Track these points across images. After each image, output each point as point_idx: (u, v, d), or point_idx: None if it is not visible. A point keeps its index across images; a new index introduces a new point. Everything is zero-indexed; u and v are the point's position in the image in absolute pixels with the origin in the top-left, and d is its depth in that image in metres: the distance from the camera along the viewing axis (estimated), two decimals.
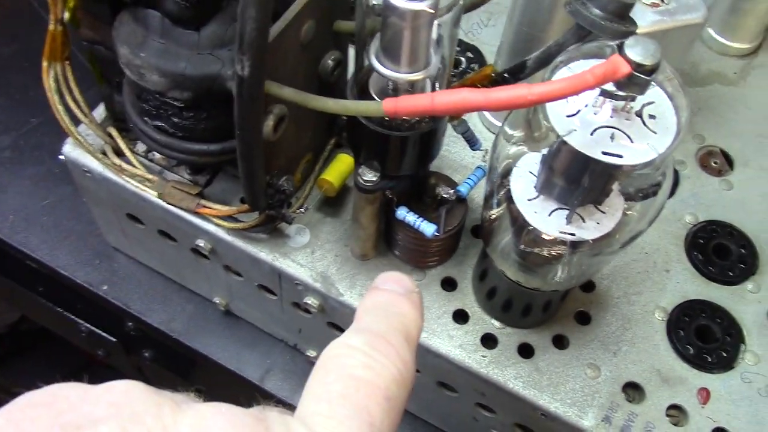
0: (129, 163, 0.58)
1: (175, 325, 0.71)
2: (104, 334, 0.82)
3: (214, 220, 0.57)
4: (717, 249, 0.61)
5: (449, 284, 0.58)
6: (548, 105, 0.39)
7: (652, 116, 0.39)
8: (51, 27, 0.52)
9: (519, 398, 0.54)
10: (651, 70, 0.35)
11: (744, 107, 0.71)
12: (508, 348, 0.55)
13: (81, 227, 0.75)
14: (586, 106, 0.39)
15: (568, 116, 0.39)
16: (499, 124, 0.63)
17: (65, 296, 0.80)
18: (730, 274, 0.60)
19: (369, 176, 0.49)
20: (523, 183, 0.46)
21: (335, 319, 0.59)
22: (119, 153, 0.59)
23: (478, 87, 0.49)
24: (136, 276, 0.73)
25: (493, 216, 0.49)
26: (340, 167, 0.57)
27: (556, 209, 0.44)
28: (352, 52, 0.48)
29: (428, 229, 0.52)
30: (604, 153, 0.38)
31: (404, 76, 0.43)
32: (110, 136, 0.59)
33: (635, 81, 0.36)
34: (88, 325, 0.82)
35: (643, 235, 0.46)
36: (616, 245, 0.46)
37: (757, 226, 0.63)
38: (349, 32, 0.52)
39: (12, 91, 0.83)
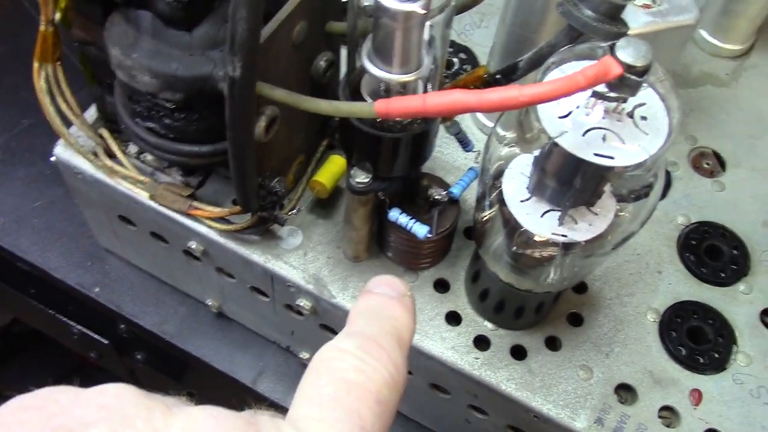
0: (120, 164, 0.58)
1: (168, 327, 0.71)
2: (96, 336, 0.81)
3: (206, 221, 0.56)
4: (709, 250, 0.61)
5: (442, 286, 0.58)
6: (540, 106, 0.39)
7: (643, 117, 0.40)
8: (42, 28, 0.51)
9: (512, 400, 0.54)
10: (642, 72, 0.35)
11: (736, 108, 0.72)
12: (501, 350, 0.55)
13: (72, 229, 0.75)
14: (577, 107, 0.39)
15: (559, 117, 0.39)
16: (492, 125, 0.63)
17: (57, 298, 0.79)
18: (722, 275, 0.60)
19: (361, 178, 0.49)
20: (516, 184, 0.45)
21: (328, 321, 0.59)
22: (111, 154, 0.59)
23: (471, 88, 0.49)
24: (128, 278, 0.73)
25: (486, 217, 0.49)
26: (332, 169, 0.57)
27: (549, 211, 0.44)
28: (344, 53, 0.48)
29: (421, 230, 0.51)
30: (596, 154, 0.38)
31: (396, 78, 0.43)
32: (102, 137, 0.59)
33: (627, 82, 0.36)
34: (80, 327, 0.82)
35: (635, 236, 0.46)
36: (608, 247, 0.46)
37: (749, 228, 0.63)
38: (341, 33, 0.52)
39: (3, 92, 0.83)
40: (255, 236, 0.57)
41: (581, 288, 0.58)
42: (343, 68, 0.49)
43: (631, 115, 0.39)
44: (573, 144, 0.38)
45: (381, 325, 0.33)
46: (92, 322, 0.81)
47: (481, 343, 0.56)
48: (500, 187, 0.46)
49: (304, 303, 0.57)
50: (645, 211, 0.45)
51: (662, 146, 0.39)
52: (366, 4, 0.43)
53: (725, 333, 0.57)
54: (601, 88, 0.37)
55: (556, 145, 0.39)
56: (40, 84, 0.55)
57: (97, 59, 0.54)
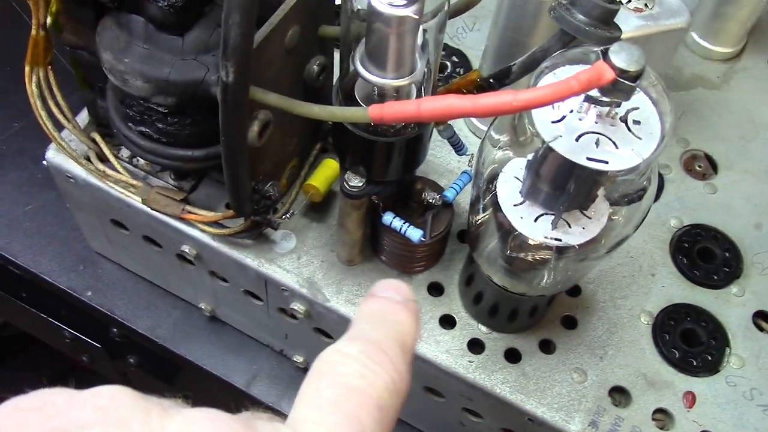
0: (113, 168, 0.58)
1: (161, 331, 0.71)
2: (88, 340, 0.81)
3: (200, 225, 0.56)
4: (702, 253, 0.62)
5: (436, 289, 0.58)
6: (534, 111, 0.39)
7: (636, 122, 0.40)
8: (33, 32, 0.51)
9: (506, 403, 0.54)
10: (635, 76, 0.36)
11: (727, 111, 0.72)
12: (495, 353, 0.55)
13: (64, 233, 0.74)
14: (571, 111, 0.39)
15: (553, 122, 0.39)
16: (485, 128, 0.63)
17: (49, 302, 0.79)
18: (715, 277, 0.60)
19: (355, 182, 0.49)
20: (509, 188, 0.45)
21: (322, 325, 0.59)
22: (103, 158, 0.59)
23: (464, 92, 0.49)
24: (120, 282, 0.73)
25: (479, 221, 0.49)
26: (325, 172, 0.57)
27: (542, 214, 0.44)
28: (337, 57, 0.48)
29: (414, 234, 0.51)
30: (589, 159, 0.38)
31: (389, 82, 0.43)
32: (94, 141, 0.59)
33: (620, 87, 0.36)
34: (72, 331, 0.81)
35: (628, 239, 0.46)
36: (602, 250, 0.46)
37: (741, 230, 0.63)
38: (334, 37, 0.52)
39: None
40: (248, 240, 0.57)
41: (575, 291, 0.58)
42: (336, 72, 0.49)
43: (624, 119, 0.40)
44: (566, 148, 0.38)
45: (385, 329, 0.33)
46: (84, 326, 0.80)
47: (476, 346, 0.56)
48: (494, 190, 0.46)
49: (297, 307, 0.57)
50: (638, 215, 0.45)
51: (655, 150, 0.39)
52: (359, 8, 0.43)
53: (718, 335, 0.58)
54: (595, 92, 0.37)
55: (549, 149, 0.39)
56: (31, 88, 0.55)
57: (89, 63, 0.53)
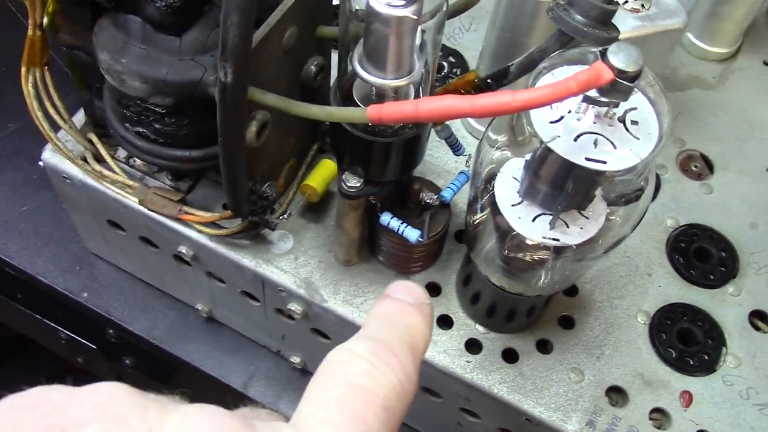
0: (109, 169, 0.58)
1: (157, 332, 0.71)
2: (84, 342, 0.81)
3: (197, 226, 0.56)
4: (698, 252, 0.62)
5: (433, 289, 0.58)
6: (532, 111, 0.39)
7: (634, 122, 0.40)
8: (30, 32, 0.51)
9: (503, 403, 0.54)
10: (634, 77, 0.36)
11: (723, 111, 0.72)
12: (493, 353, 0.55)
13: (60, 234, 0.74)
14: (569, 112, 0.40)
15: (551, 122, 0.39)
16: (482, 129, 0.63)
17: (44, 303, 0.79)
18: (711, 277, 0.61)
19: (353, 182, 0.49)
20: (507, 188, 0.46)
21: (319, 326, 0.59)
22: (99, 159, 0.58)
23: (461, 93, 0.49)
24: (117, 283, 0.72)
25: (477, 221, 0.49)
26: (323, 173, 0.57)
27: (540, 214, 0.44)
28: (335, 57, 0.48)
29: (412, 234, 0.51)
30: (588, 159, 0.38)
31: (388, 83, 0.43)
32: (90, 142, 0.59)
33: (618, 87, 0.36)
34: (68, 333, 0.81)
35: (625, 239, 0.46)
36: (599, 250, 0.46)
37: (737, 230, 0.64)
38: (332, 38, 0.52)
39: None
40: (246, 241, 0.57)
41: (572, 291, 0.59)
42: (334, 73, 0.49)
43: (622, 119, 0.40)
44: (565, 148, 0.39)
45: (396, 331, 0.33)
46: (80, 327, 0.80)
47: (473, 346, 0.56)
48: (492, 190, 0.46)
49: (295, 307, 0.57)
50: (636, 215, 0.45)
51: (653, 150, 0.39)
52: (357, 8, 0.43)
53: (714, 335, 0.58)
54: (593, 92, 0.37)
55: (548, 149, 0.39)
56: (27, 89, 0.54)
57: (86, 63, 0.53)
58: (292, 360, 0.67)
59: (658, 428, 0.54)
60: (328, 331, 0.59)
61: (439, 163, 0.63)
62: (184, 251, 0.59)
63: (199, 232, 0.56)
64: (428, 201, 0.54)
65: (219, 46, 0.39)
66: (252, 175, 0.50)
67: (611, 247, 0.46)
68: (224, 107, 0.42)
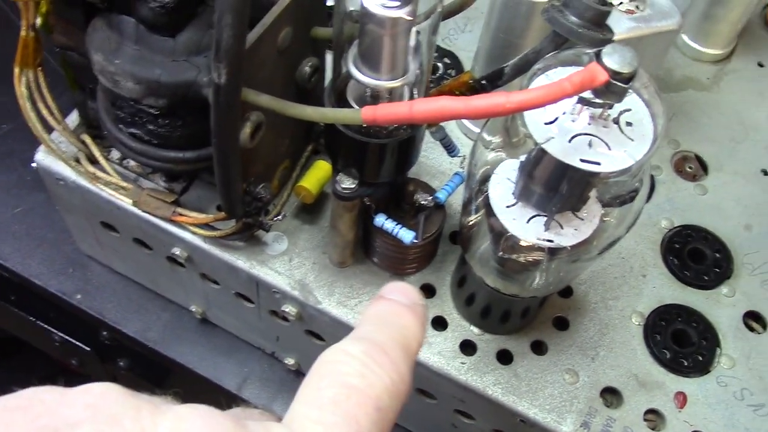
0: (103, 170, 0.58)
1: (151, 333, 0.70)
2: (78, 344, 0.80)
3: (191, 228, 0.56)
4: (692, 253, 0.62)
5: (428, 291, 0.58)
6: (526, 113, 0.39)
7: (629, 123, 0.40)
8: (23, 33, 0.51)
9: (498, 405, 0.54)
10: (628, 78, 0.36)
11: (717, 112, 0.72)
12: (487, 354, 0.55)
13: (54, 235, 0.74)
14: (564, 113, 0.40)
15: (546, 124, 0.39)
16: (477, 130, 0.63)
17: (38, 305, 0.78)
18: (706, 278, 0.61)
19: (347, 183, 0.49)
20: (502, 190, 0.46)
21: (313, 327, 0.58)
22: (93, 160, 0.58)
23: (456, 94, 0.49)
24: (110, 284, 0.72)
25: (472, 223, 0.49)
26: (317, 174, 0.57)
27: (535, 216, 0.44)
28: (329, 58, 0.48)
29: (407, 236, 0.51)
30: (582, 160, 0.38)
31: (382, 84, 0.43)
32: (84, 143, 0.58)
33: (613, 89, 0.36)
34: (61, 335, 0.81)
35: (620, 240, 0.46)
36: (594, 251, 0.46)
37: (732, 231, 0.64)
38: (326, 39, 0.52)
39: None
40: (240, 242, 0.57)
41: (567, 292, 0.59)
42: (329, 74, 0.49)
43: (616, 121, 0.40)
44: (559, 150, 0.39)
45: (389, 331, 0.33)
46: (74, 329, 0.80)
47: (468, 347, 0.56)
48: (486, 192, 0.46)
49: (289, 309, 0.57)
50: (630, 216, 0.45)
51: (648, 152, 0.39)
52: (352, 9, 0.43)
53: (709, 336, 0.58)
54: (587, 94, 0.37)
55: (542, 151, 0.39)
56: (20, 90, 0.54)
57: (79, 64, 0.53)
58: (286, 362, 0.67)
59: (652, 429, 0.54)
60: (322, 332, 0.59)
61: (433, 164, 0.63)
62: (177, 253, 0.58)
63: (193, 233, 0.56)
64: (423, 202, 0.54)
65: (213, 47, 0.39)
66: (246, 177, 0.50)
67: (606, 248, 0.46)
68: (218, 108, 0.42)
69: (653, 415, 0.55)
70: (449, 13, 0.49)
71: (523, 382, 0.54)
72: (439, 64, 0.70)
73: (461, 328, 0.56)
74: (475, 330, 0.56)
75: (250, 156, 0.49)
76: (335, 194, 0.50)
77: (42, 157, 0.59)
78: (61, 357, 0.87)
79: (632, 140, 0.39)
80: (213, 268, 0.59)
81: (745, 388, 0.56)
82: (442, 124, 0.53)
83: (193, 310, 0.69)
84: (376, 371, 0.30)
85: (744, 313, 0.60)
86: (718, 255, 0.62)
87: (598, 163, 0.38)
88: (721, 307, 0.60)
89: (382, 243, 0.55)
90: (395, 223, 0.52)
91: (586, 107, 0.39)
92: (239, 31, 0.38)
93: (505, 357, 0.55)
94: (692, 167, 0.68)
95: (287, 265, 0.57)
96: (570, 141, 0.39)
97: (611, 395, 0.55)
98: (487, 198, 0.46)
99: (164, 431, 0.26)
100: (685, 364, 0.56)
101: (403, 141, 0.47)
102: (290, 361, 0.67)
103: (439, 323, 0.56)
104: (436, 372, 0.54)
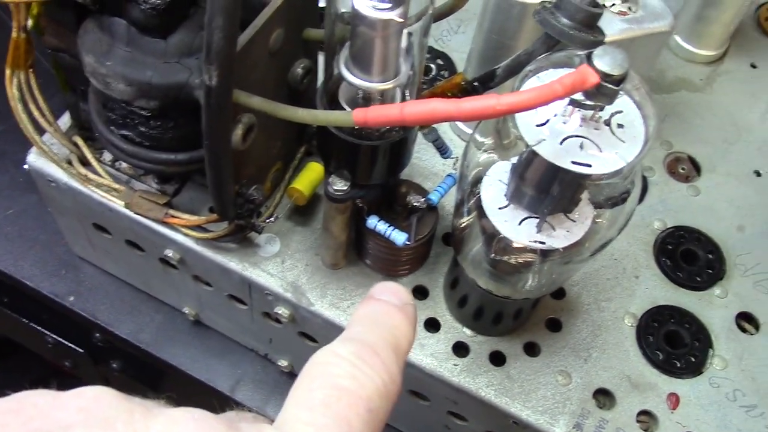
0: (95, 172, 0.57)
1: (144, 335, 0.70)
2: (71, 345, 0.80)
3: (183, 229, 0.56)
4: (685, 254, 0.62)
5: (420, 292, 0.58)
6: (518, 115, 0.39)
7: (620, 125, 0.40)
8: (14, 34, 0.51)
9: (491, 406, 0.54)
10: (619, 80, 0.36)
11: (710, 114, 0.72)
12: (480, 356, 0.55)
13: (46, 237, 0.74)
14: (555, 115, 0.40)
15: (537, 125, 0.39)
16: (470, 131, 0.63)
17: (30, 307, 0.78)
18: (698, 279, 0.61)
19: (339, 185, 0.49)
20: (494, 192, 0.46)
21: (306, 329, 0.58)
22: (85, 162, 0.58)
23: (448, 96, 0.49)
24: (103, 286, 0.72)
25: (464, 224, 0.49)
26: (310, 176, 0.57)
27: (527, 218, 0.44)
28: (322, 60, 0.48)
29: (399, 237, 0.51)
30: (574, 162, 0.38)
31: (374, 86, 0.42)
32: (76, 145, 0.58)
33: (603, 91, 0.36)
34: (54, 336, 0.80)
35: (612, 241, 0.46)
36: (586, 253, 0.46)
37: (724, 232, 0.64)
38: (319, 40, 0.51)
39: None
40: (232, 244, 0.57)
41: (559, 294, 0.59)
42: (321, 76, 0.49)
43: (608, 122, 0.40)
44: (551, 152, 0.38)
45: (380, 332, 0.33)
46: (67, 331, 0.79)
47: (460, 349, 0.55)
48: (478, 194, 0.46)
49: (282, 311, 0.57)
50: (622, 218, 0.45)
51: (639, 154, 0.39)
52: (343, 11, 0.42)
53: (701, 337, 0.58)
54: (579, 96, 0.37)
55: (533, 153, 0.39)
56: (12, 91, 0.54)
57: (71, 66, 0.53)
58: (279, 364, 0.67)
59: (645, 431, 0.54)
60: (315, 334, 0.58)
61: (426, 165, 0.63)
62: (170, 255, 0.58)
63: (186, 235, 0.56)
64: (415, 204, 0.54)
65: (203, 48, 0.39)
66: (238, 179, 0.50)
67: (598, 249, 0.46)
68: (209, 110, 0.42)
69: (646, 417, 0.55)
70: (441, 15, 0.49)
71: (515, 383, 0.54)
72: (432, 66, 0.70)
73: (454, 329, 0.56)
74: (468, 332, 0.56)
75: (242, 158, 0.49)
76: (327, 196, 0.49)
77: (34, 159, 0.59)
78: (54, 359, 0.86)
79: (623, 142, 0.39)
80: (205, 270, 0.59)
81: (737, 389, 0.56)
82: (434, 125, 0.53)
83: (186, 311, 0.68)
84: (367, 372, 0.30)
85: (736, 314, 0.60)
86: (710, 256, 0.62)
87: (590, 165, 0.38)
88: (713, 308, 0.60)
89: (374, 245, 0.55)
90: (388, 224, 0.52)
91: (577, 109, 0.39)
92: (230, 32, 0.38)
93: (497, 358, 0.55)
94: (685, 168, 0.68)
95: (280, 267, 0.57)
96: (561, 143, 0.39)
97: (604, 396, 0.55)
98: (479, 200, 0.46)
99: None
100: (678, 365, 0.56)
101: (395, 143, 0.47)
102: (283, 362, 0.67)
103: (432, 325, 0.56)
104: (428, 374, 0.54)
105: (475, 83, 0.49)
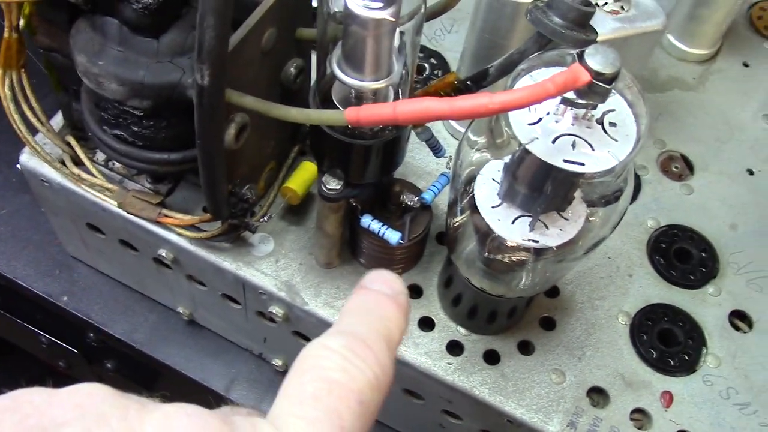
0: (88, 172, 0.57)
1: (138, 335, 0.70)
2: (65, 345, 0.80)
3: (176, 229, 0.56)
4: (678, 253, 0.62)
5: (414, 291, 0.58)
6: (510, 113, 0.40)
7: (612, 124, 0.40)
8: (6, 34, 0.51)
9: (485, 405, 0.54)
10: (611, 79, 0.36)
11: (703, 112, 0.72)
12: (474, 355, 0.55)
13: (39, 237, 0.73)
14: (547, 114, 0.40)
15: (529, 124, 0.39)
16: (463, 130, 0.63)
17: (24, 307, 0.78)
18: (692, 277, 0.61)
19: (333, 185, 0.49)
20: (487, 190, 0.46)
21: (300, 328, 0.58)
22: (78, 162, 0.58)
23: (441, 94, 0.49)
24: (97, 286, 0.72)
25: (458, 223, 0.49)
26: (303, 175, 0.57)
27: (520, 216, 0.45)
28: (314, 59, 0.48)
29: (393, 236, 0.51)
30: (566, 161, 0.38)
31: (366, 85, 0.42)
32: (68, 144, 0.58)
33: (595, 90, 0.36)
34: (48, 336, 0.80)
35: (606, 240, 0.47)
36: (579, 251, 0.46)
37: (717, 230, 0.64)
38: (311, 40, 0.51)
39: None
40: (226, 243, 0.57)
41: (553, 292, 0.59)
42: (314, 75, 0.49)
43: (600, 121, 0.40)
44: (543, 151, 0.39)
45: (371, 323, 0.33)
46: (61, 331, 0.79)
47: (455, 348, 0.56)
48: (472, 192, 0.46)
49: (276, 310, 0.57)
50: (615, 216, 0.45)
51: (631, 152, 0.39)
52: (336, 10, 0.42)
53: (695, 335, 0.58)
54: (571, 95, 0.37)
55: (526, 151, 0.39)
56: (4, 91, 0.54)
57: (63, 66, 0.53)
58: (274, 363, 0.67)
59: (639, 429, 0.54)
60: (309, 333, 0.58)
61: (420, 164, 0.63)
62: (164, 254, 0.58)
63: (179, 235, 0.56)
64: (409, 203, 0.54)
65: (195, 48, 0.39)
66: (231, 178, 0.50)
67: (591, 248, 0.46)
68: (202, 110, 0.42)
69: (640, 415, 0.55)
70: (433, 14, 0.49)
71: (510, 382, 0.54)
72: (426, 65, 0.70)
73: (448, 328, 0.56)
74: (462, 330, 0.56)
75: (235, 157, 0.49)
76: (321, 195, 0.49)
77: (26, 159, 0.59)
78: (48, 359, 0.86)
79: (616, 141, 0.39)
80: (199, 270, 0.59)
81: (731, 387, 0.56)
82: (428, 124, 0.53)
83: (180, 311, 0.68)
84: (358, 365, 0.30)
85: (730, 312, 0.60)
86: (704, 254, 0.62)
87: (582, 164, 0.38)
88: (707, 307, 0.60)
89: (368, 244, 0.55)
90: (381, 224, 0.52)
91: (569, 108, 0.39)
92: (221, 32, 0.38)
93: (492, 357, 0.55)
94: (678, 167, 0.68)
95: (274, 266, 0.57)
96: (554, 142, 0.39)
97: (598, 395, 0.56)
98: (472, 199, 0.46)
99: (151, 430, 0.26)
100: (672, 363, 0.56)
101: (388, 142, 0.47)
102: (278, 362, 0.67)
103: (426, 324, 0.56)
104: (423, 372, 0.54)
105: (468, 82, 0.49)
